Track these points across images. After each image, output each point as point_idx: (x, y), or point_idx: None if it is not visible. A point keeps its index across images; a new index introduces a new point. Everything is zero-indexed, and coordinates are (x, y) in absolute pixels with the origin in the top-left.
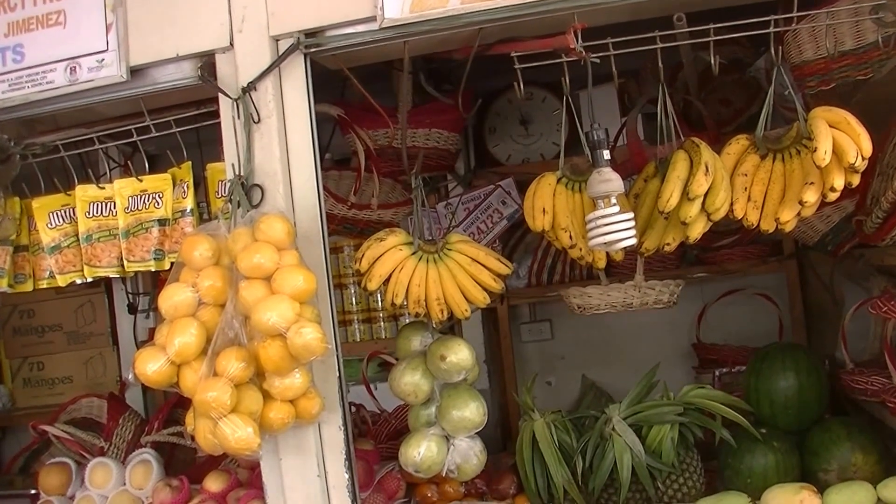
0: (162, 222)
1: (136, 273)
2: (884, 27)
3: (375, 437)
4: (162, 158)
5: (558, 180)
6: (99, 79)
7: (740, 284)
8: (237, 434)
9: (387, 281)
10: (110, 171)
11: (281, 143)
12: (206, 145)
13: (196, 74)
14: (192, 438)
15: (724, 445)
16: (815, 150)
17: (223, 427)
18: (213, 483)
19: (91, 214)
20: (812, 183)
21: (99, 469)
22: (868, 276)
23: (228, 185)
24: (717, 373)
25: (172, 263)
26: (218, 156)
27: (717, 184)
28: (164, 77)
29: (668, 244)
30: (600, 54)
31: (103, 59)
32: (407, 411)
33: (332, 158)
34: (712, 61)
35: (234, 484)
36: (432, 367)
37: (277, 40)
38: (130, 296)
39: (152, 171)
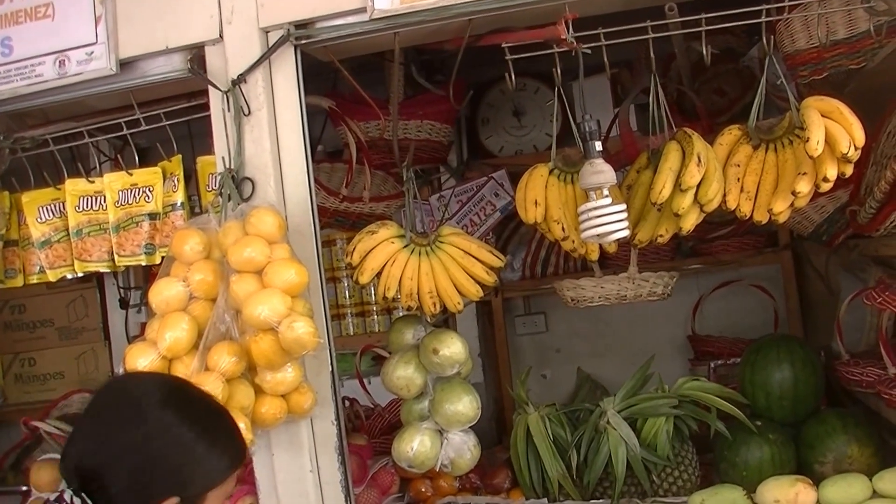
0: (152, 216)
1: (127, 268)
2: (876, 16)
3: (369, 432)
4: (152, 152)
5: (550, 172)
6: (88, 72)
7: (735, 276)
8: None
9: (379, 274)
10: (100, 164)
11: (271, 135)
12: (196, 138)
13: (186, 67)
14: None
15: (720, 438)
16: (807, 140)
17: None
18: None
19: (81, 209)
20: (805, 173)
21: None
22: (863, 267)
23: (219, 178)
24: (712, 365)
25: (163, 258)
26: (209, 149)
27: (709, 175)
28: (154, 70)
29: (661, 236)
30: (591, 45)
31: (92, 52)
32: (401, 405)
33: (325, 151)
34: (704, 51)
35: None
36: (425, 360)
37: (267, 32)
38: (122, 290)
39: (143, 164)
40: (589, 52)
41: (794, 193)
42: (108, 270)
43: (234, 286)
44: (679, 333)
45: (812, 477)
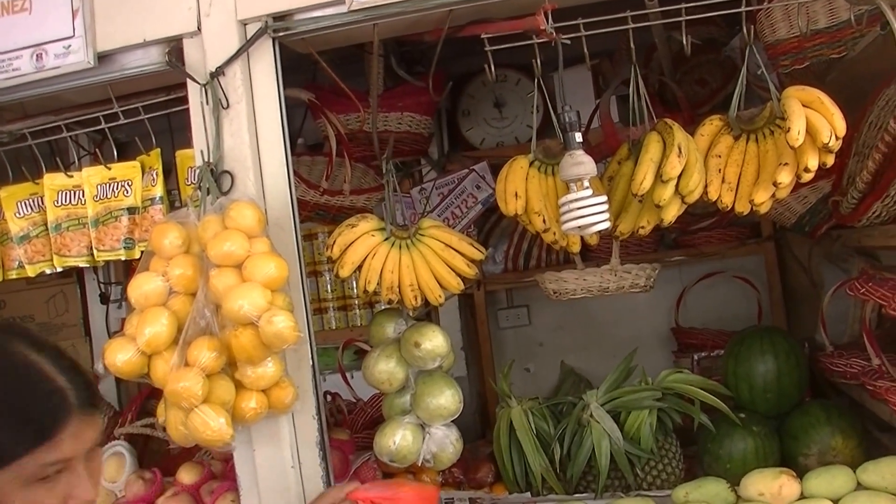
0: (131, 210)
1: (107, 262)
2: (856, 5)
3: (351, 427)
4: (132, 146)
5: (531, 163)
6: (66, 65)
7: (719, 267)
8: (209, 425)
9: (360, 268)
10: (79, 159)
11: (250, 128)
12: (176, 132)
13: (164, 60)
14: (164, 430)
15: (703, 431)
16: (788, 131)
17: (195, 418)
18: (187, 475)
19: (60, 203)
20: (786, 164)
21: None
22: (846, 258)
23: (198, 172)
24: (695, 357)
25: (142, 252)
26: (188, 143)
27: (690, 166)
28: (132, 63)
29: (642, 227)
30: (572, 35)
31: (70, 46)
32: (382, 400)
33: (305, 144)
34: (685, 41)
35: (207, 476)
36: (406, 354)
37: (245, 24)
38: (102, 286)
39: (123, 158)
40: (569, 42)
41: (775, 184)
42: (88, 265)
43: (214, 280)
44: (662, 325)
45: (796, 469)
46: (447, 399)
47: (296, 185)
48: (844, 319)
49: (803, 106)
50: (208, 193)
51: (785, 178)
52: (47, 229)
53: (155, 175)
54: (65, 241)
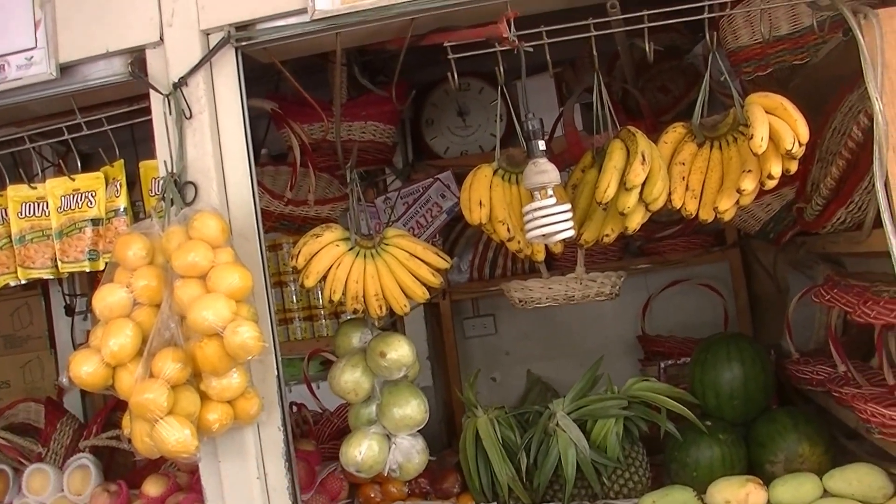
0: (95, 222)
1: (71, 274)
2: (818, 11)
3: (317, 437)
4: (96, 157)
5: (494, 172)
6: (28, 76)
7: (684, 275)
8: (174, 436)
9: (324, 277)
10: (43, 171)
11: (214, 139)
12: (140, 144)
13: (126, 70)
14: (130, 442)
15: (670, 439)
16: (751, 137)
17: (160, 430)
18: (152, 487)
19: (23, 215)
20: (750, 171)
21: (36, 475)
22: (811, 264)
23: (161, 182)
24: (662, 365)
25: (107, 263)
26: (152, 154)
27: (654, 173)
28: (95, 74)
29: (607, 235)
30: (534, 43)
31: (32, 57)
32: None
33: (269, 154)
34: (647, 48)
35: (173, 488)
36: (372, 364)
37: (208, 34)
38: (67, 297)
39: (86, 170)
40: (531, 50)
41: (739, 191)
42: (52, 277)
43: (179, 291)
44: (629, 333)
45: (763, 476)
46: (413, 409)
47: (260, 195)
48: (810, 326)
49: (767, 112)
50: (172, 204)
51: (748, 184)
52: (11, 241)
53: (119, 186)
54: (29, 252)
